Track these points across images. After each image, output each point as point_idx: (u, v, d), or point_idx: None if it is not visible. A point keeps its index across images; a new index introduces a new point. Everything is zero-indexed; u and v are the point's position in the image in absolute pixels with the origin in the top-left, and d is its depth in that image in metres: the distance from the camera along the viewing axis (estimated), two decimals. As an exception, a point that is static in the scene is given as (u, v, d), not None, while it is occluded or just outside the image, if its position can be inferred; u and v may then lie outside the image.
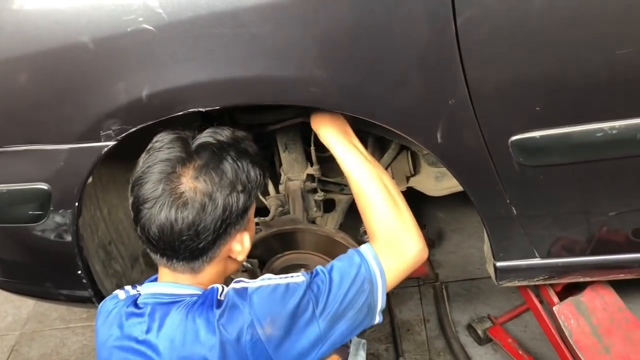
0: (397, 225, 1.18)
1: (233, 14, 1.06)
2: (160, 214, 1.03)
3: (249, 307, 1.03)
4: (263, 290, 1.06)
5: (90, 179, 1.34)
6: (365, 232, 1.72)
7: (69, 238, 1.43)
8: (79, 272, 1.50)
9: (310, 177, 1.75)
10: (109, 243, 1.65)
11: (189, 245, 1.06)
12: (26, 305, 2.61)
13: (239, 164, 1.08)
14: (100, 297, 1.58)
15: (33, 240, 1.46)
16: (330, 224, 1.89)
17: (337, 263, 1.13)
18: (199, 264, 1.10)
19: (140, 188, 1.06)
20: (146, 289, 1.15)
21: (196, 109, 1.17)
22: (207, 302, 1.07)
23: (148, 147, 1.10)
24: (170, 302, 1.09)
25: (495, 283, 1.50)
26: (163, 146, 1.07)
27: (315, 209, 1.80)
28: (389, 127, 1.17)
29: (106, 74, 1.17)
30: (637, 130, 1.10)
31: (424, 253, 1.19)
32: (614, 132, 1.10)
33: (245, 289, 1.07)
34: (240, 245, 1.14)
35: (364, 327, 1.13)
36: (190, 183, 1.04)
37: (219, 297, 1.08)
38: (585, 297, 1.61)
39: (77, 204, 1.37)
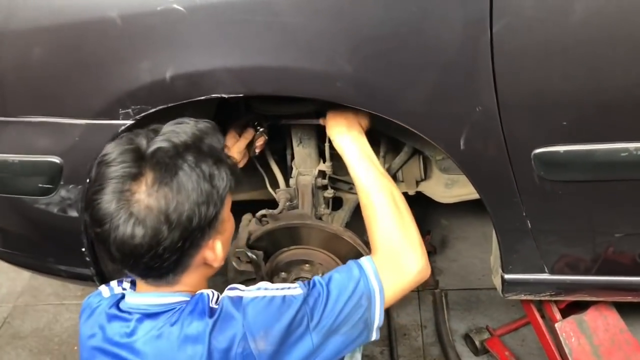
0: (401, 241, 1.16)
1: (266, 2, 1.05)
2: (117, 236, 0.96)
3: (242, 319, 1.00)
4: (258, 302, 1.02)
5: (103, 157, 1.32)
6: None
7: (75, 214, 1.41)
8: (83, 249, 1.48)
9: (322, 174, 1.73)
10: (114, 222, 1.64)
11: (152, 266, 1.00)
12: (21, 278, 2.59)
13: (198, 171, 0.98)
14: (101, 276, 1.57)
15: (39, 214, 1.44)
16: (336, 222, 1.88)
17: (336, 275, 1.10)
18: (172, 277, 1.05)
19: (94, 208, 0.98)
20: (131, 299, 1.09)
21: (219, 95, 1.15)
22: (198, 309, 1.03)
23: (97, 161, 1.01)
24: (159, 312, 1.05)
25: (501, 295, 1.49)
26: (113, 160, 0.98)
27: (323, 205, 1.79)
28: (412, 129, 1.15)
29: (131, 52, 1.15)
30: (663, 153, 1.09)
31: (426, 272, 1.17)
32: (639, 153, 1.10)
33: (240, 298, 1.03)
34: (212, 253, 1.07)
35: (359, 343, 1.11)
36: (144, 201, 0.95)
37: (211, 305, 1.04)
38: (588, 316, 1.61)
39: (87, 180, 1.35)
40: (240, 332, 1.00)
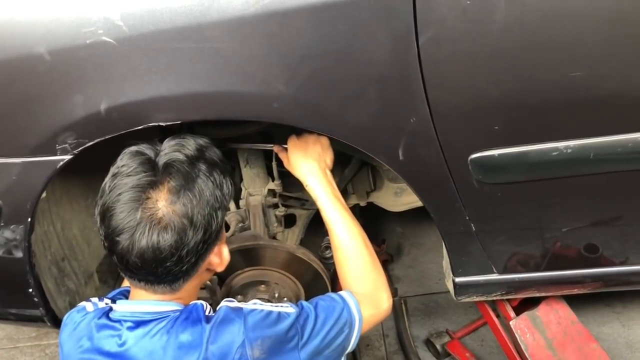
0: (375, 281, 1.29)
1: (197, 28, 1.05)
2: (140, 243, 0.99)
3: (243, 327, 1.03)
4: (257, 313, 1.06)
5: (44, 194, 1.29)
6: (326, 248, 1.73)
7: (20, 255, 1.38)
8: (30, 290, 1.44)
9: (272, 192, 1.74)
10: (62, 259, 1.60)
11: (172, 270, 1.03)
12: (-29, 323, 2.50)
13: (212, 178, 1.07)
14: (52, 315, 1.53)
15: (-19, 257, 1.40)
16: (291, 239, 1.88)
17: (321, 302, 1.16)
18: (179, 284, 1.08)
19: (112, 218, 1.01)
20: (122, 307, 1.10)
21: (156, 124, 1.15)
22: (192, 317, 1.05)
23: (114, 172, 1.05)
24: (151, 320, 1.06)
25: (454, 298, 1.52)
26: (131, 171, 1.03)
27: (276, 224, 1.79)
28: (351, 144, 1.17)
29: (63, 86, 1.14)
30: (590, 149, 1.14)
31: (391, 310, 1.31)
32: (569, 151, 1.14)
33: (241, 309, 1.07)
34: (219, 257, 1.14)
35: None
36: (167, 207, 1.01)
37: (206, 313, 1.07)
38: (541, 312, 1.65)
39: (29, 219, 1.32)
40: (239, 339, 1.02)
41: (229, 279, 1.65)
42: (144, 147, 1.08)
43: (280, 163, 1.58)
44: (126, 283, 1.42)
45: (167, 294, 1.09)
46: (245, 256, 1.61)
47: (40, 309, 1.49)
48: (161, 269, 1.03)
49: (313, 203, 1.86)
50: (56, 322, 1.55)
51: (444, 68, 1.07)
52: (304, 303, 1.15)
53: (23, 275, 1.41)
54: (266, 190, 1.73)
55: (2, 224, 1.32)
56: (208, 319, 1.05)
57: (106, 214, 1.03)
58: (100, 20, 1.06)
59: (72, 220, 1.63)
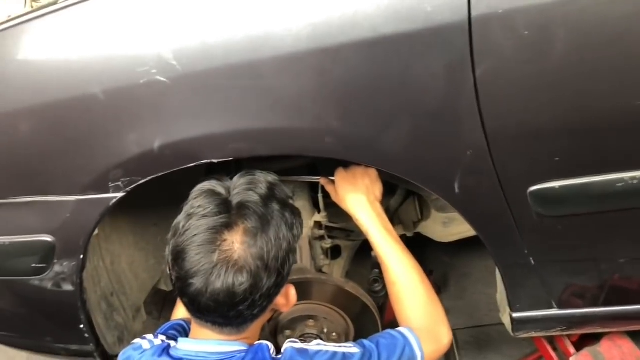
0: (434, 315, 1.25)
1: (249, 65, 1.05)
2: (215, 285, 0.98)
3: None
4: (322, 355, 1.05)
5: (96, 231, 1.30)
6: (375, 281, 1.69)
7: (71, 288, 1.39)
8: (82, 325, 1.45)
9: (318, 225, 1.72)
10: (111, 294, 1.60)
11: (243, 313, 1.02)
12: (20, 356, 2.52)
13: (284, 219, 1.06)
14: (102, 351, 1.53)
15: (34, 293, 1.42)
16: (337, 271, 1.85)
17: (382, 340, 1.13)
18: (246, 326, 1.07)
19: (187, 260, 1.00)
20: (185, 346, 1.09)
21: (209, 161, 1.14)
22: (258, 358, 1.04)
23: (188, 212, 1.04)
24: None
25: (511, 334, 1.46)
26: (207, 212, 1.02)
27: (322, 256, 1.77)
28: (406, 178, 1.15)
29: (117, 125, 1.15)
30: (659, 180, 1.09)
31: (451, 342, 1.27)
32: (635, 182, 1.09)
33: (307, 350, 1.06)
34: (286, 299, 1.13)
35: None
36: (243, 249, 1.00)
37: (272, 355, 1.06)
38: (603, 348, 1.57)
39: (81, 255, 1.33)
40: None
41: (276, 313, 1.63)
42: (217, 185, 1.07)
43: (326, 194, 1.57)
44: (177, 314, 1.42)
45: (234, 335, 1.07)
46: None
47: (91, 344, 1.50)
48: (233, 312, 1.01)
49: (360, 234, 1.84)
50: (105, 358, 1.56)
51: (502, 99, 1.03)
52: (365, 342, 1.12)
53: (74, 311, 1.42)
54: (312, 223, 1.71)
55: (55, 261, 1.34)
56: None
57: (180, 256, 1.02)
58: (154, 59, 1.07)
59: (121, 255, 1.64)
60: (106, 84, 1.11)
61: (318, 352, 1.06)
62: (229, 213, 1.03)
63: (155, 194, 1.33)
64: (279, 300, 1.11)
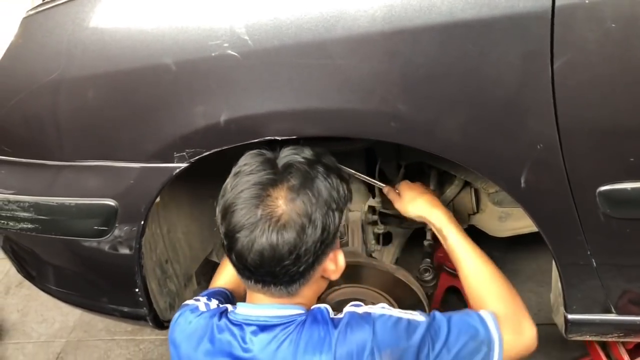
0: (514, 305, 1.18)
1: (320, 45, 1.04)
2: (261, 239, 1.00)
3: (372, 333, 1.00)
4: (387, 319, 1.03)
5: (157, 199, 1.33)
6: (425, 271, 1.67)
7: (130, 255, 1.43)
8: (137, 289, 1.49)
9: (371, 209, 1.71)
10: (166, 261, 1.65)
11: (289, 269, 1.03)
12: (73, 313, 2.64)
13: (329, 181, 1.07)
14: (154, 315, 1.58)
15: (94, 255, 1.46)
16: (387, 257, 1.85)
17: (456, 316, 1.09)
18: (295, 287, 1.07)
19: (233, 215, 1.03)
20: (245, 310, 1.11)
21: (273, 137, 1.15)
22: (320, 320, 1.05)
23: (235, 171, 1.08)
24: (277, 325, 1.06)
25: (564, 335, 1.42)
26: (253, 169, 1.05)
27: (374, 241, 1.76)
28: (472, 169, 1.13)
29: (186, 97, 1.16)
30: None
31: (536, 342, 1.17)
32: None
33: (369, 313, 1.05)
34: (334, 264, 1.13)
35: None
36: (287, 205, 1.02)
37: (331, 316, 1.07)
38: (659, 358, 1.52)
39: (142, 222, 1.36)
40: (368, 345, 1.00)
41: (325, 293, 1.63)
42: (265, 149, 1.10)
43: (382, 179, 1.56)
44: (217, 281, 1.45)
45: (285, 297, 1.08)
46: (343, 272, 1.59)
47: (144, 308, 1.54)
48: (279, 267, 1.02)
49: (412, 223, 1.83)
50: (157, 322, 1.60)
51: (580, 94, 1.00)
52: (437, 314, 1.08)
53: (131, 275, 1.46)
54: (366, 207, 1.70)
55: (117, 225, 1.38)
56: (334, 323, 1.04)
57: (227, 211, 1.04)
58: (226, 33, 1.07)
59: (177, 224, 1.68)
60: (178, 55, 1.12)
61: (382, 315, 1.04)
62: (275, 170, 1.05)
63: (215, 167, 1.35)
64: (328, 265, 1.11)
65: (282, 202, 1.02)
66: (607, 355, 1.62)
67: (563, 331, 1.41)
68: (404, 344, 1.01)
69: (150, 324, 1.60)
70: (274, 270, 1.03)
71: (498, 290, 1.21)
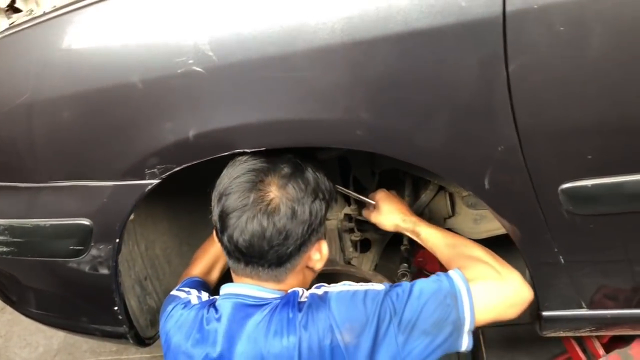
0: (495, 259, 1.21)
1: (283, 57, 1.06)
2: (252, 222, 1.08)
3: (327, 311, 1.05)
4: (343, 295, 1.08)
5: (132, 216, 1.34)
6: (403, 276, 1.69)
7: (107, 273, 1.43)
8: (116, 307, 1.49)
9: (348, 217, 1.73)
10: (145, 279, 1.65)
11: (277, 251, 1.10)
12: (57, 336, 2.62)
13: (317, 174, 1.17)
14: (134, 333, 1.58)
15: (71, 275, 1.46)
16: (365, 264, 1.87)
17: (421, 279, 1.13)
18: (282, 272, 1.14)
19: (228, 198, 1.11)
20: (226, 289, 1.18)
21: (242, 150, 1.17)
22: (290, 303, 1.10)
23: (233, 161, 1.17)
24: (254, 305, 1.12)
25: (539, 333, 1.45)
26: (248, 159, 1.14)
27: (351, 249, 1.78)
28: (436, 173, 1.15)
29: (154, 114, 1.18)
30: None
31: (527, 288, 1.16)
32: (670, 182, 1.07)
33: (326, 292, 1.10)
34: (319, 253, 1.19)
35: (447, 350, 1.08)
36: (279, 190, 1.10)
37: (299, 300, 1.11)
38: (634, 350, 1.55)
39: (117, 240, 1.37)
40: (326, 324, 1.04)
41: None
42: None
43: (356, 187, 1.59)
44: (191, 271, 1.49)
45: (271, 282, 1.14)
46: (321, 281, 1.60)
47: (124, 326, 1.54)
48: (268, 247, 1.09)
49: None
50: (138, 340, 1.60)
51: (535, 95, 1.03)
52: (403, 282, 1.13)
53: (109, 294, 1.47)
54: (342, 215, 1.72)
55: (92, 244, 1.38)
56: (300, 306, 1.09)
57: (222, 195, 1.12)
58: (191, 50, 1.09)
59: (155, 240, 1.69)
60: (145, 73, 1.14)
61: (339, 292, 1.09)
62: (269, 159, 1.14)
63: (191, 182, 1.37)
64: (313, 255, 1.17)
65: (274, 188, 1.10)
66: (584, 350, 1.64)
67: (538, 329, 1.43)
68: (361, 315, 1.04)
69: (131, 341, 1.60)
70: (263, 251, 1.09)
71: (475, 254, 1.24)
